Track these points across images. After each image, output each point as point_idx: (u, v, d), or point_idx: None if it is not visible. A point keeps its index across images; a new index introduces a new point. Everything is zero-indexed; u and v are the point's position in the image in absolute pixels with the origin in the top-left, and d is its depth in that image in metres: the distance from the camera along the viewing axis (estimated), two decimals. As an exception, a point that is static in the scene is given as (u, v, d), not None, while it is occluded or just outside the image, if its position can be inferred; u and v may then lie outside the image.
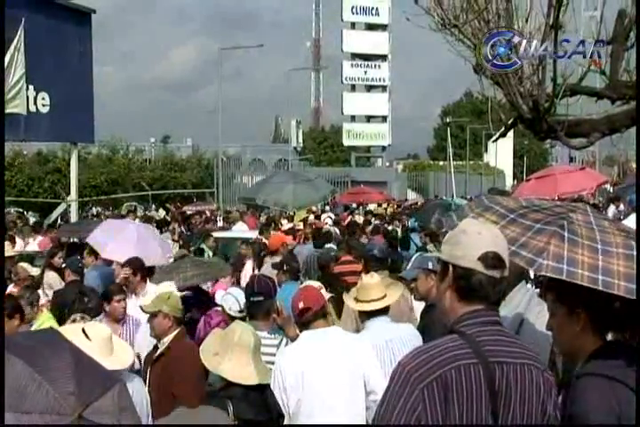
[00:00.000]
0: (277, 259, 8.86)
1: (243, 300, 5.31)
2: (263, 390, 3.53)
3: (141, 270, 6.89)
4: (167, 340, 4.89)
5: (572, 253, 2.47)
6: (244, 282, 8.14)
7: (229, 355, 3.51)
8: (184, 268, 7.15)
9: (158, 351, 4.85)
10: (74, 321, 4.72)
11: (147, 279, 6.88)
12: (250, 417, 3.29)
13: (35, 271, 8.42)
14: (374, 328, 4.53)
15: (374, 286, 4.62)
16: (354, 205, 25.49)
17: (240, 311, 5.41)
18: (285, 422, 3.78)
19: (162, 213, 24.63)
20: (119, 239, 8.17)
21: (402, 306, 5.67)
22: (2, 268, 6.53)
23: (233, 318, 5.13)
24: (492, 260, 2.19)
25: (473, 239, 2.23)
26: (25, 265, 8.47)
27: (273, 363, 4.25)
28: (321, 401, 3.87)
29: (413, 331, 4.74)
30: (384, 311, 4.65)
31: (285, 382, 3.87)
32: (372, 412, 3.98)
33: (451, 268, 2.24)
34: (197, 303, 6.37)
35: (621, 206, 17.71)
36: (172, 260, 8.81)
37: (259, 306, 4.83)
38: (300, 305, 4.17)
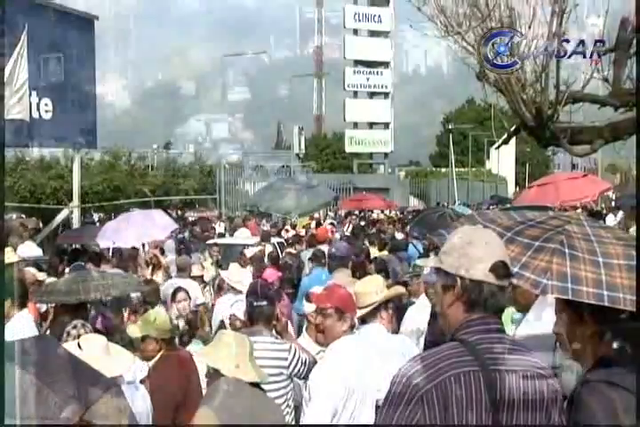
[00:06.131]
0: (324, 247, 10.87)
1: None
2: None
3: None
4: (152, 363, 4.84)
5: (576, 270, 2.46)
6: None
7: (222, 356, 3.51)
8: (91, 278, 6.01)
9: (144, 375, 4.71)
10: (74, 327, 4.68)
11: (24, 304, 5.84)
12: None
13: (41, 276, 8.33)
14: (365, 337, 4.47)
15: (368, 294, 4.54)
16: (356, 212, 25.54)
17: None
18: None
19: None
20: (129, 225, 9.71)
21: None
22: (2, 272, 6.51)
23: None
24: (502, 269, 2.17)
25: (482, 250, 2.19)
26: (32, 270, 8.39)
27: (286, 367, 4.38)
28: (361, 411, 3.84)
29: (405, 344, 4.64)
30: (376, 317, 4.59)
31: (344, 394, 3.77)
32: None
33: (459, 280, 2.20)
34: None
35: (619, 215, 17.48)
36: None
37: (262, 311, 4.75)
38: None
